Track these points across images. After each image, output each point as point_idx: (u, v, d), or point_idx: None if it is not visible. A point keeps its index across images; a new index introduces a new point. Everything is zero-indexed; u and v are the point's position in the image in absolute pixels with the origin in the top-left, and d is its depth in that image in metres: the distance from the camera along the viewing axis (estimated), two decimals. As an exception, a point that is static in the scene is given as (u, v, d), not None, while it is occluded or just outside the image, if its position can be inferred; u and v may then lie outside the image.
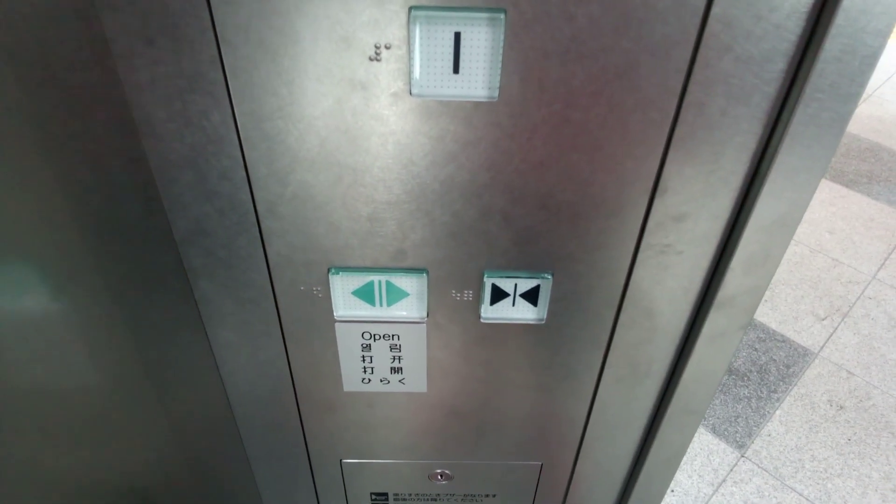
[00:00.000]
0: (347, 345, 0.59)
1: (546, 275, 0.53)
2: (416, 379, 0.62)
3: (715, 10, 0.38)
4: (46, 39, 0.40)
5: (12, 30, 0.40)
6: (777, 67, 0.41)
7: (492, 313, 0.56)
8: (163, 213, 0.48)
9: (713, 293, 0.52)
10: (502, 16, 0.38)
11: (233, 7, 0.38)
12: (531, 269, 0.53)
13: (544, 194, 0.47)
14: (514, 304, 0.55)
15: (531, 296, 0.55)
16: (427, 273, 0.53)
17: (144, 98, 0.42)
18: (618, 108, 0.42)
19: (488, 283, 0.53)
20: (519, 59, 0.40)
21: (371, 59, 0.40)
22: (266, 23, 0.39)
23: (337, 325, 0.57)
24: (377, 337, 0.58)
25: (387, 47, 0.40)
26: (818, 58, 0.39)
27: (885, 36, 0.38)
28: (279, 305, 0.55)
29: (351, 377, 0.62)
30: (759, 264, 0.50)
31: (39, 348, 0.58)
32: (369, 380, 0.62)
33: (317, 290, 0.54)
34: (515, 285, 0.54)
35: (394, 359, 0.60)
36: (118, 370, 0.62)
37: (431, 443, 0.70)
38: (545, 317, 0.56)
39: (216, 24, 0.39)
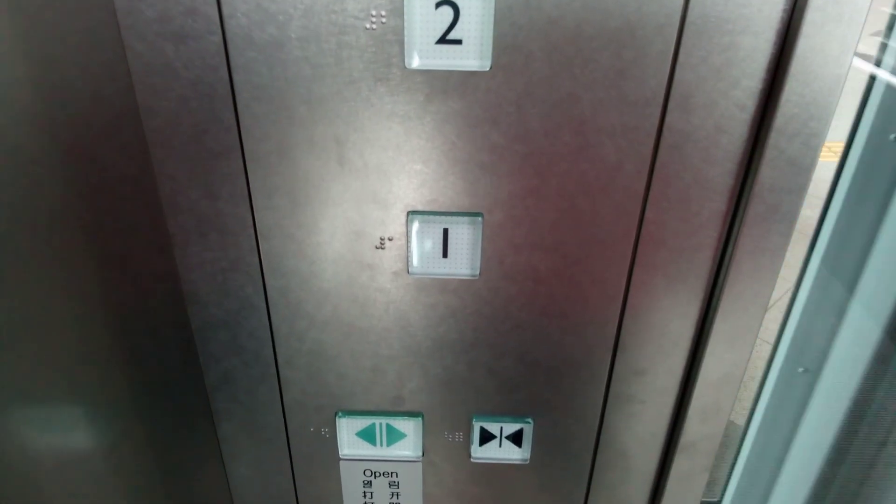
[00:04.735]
0: (350, 481, 0.64)
1: (527, 420, 0.60)
2: (412, 514, 0.67)
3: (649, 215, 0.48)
4: (115, 242, 0.51)
5: (95, 239, 0.51)
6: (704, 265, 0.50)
7: (481, 453, 0.62)
8: (198, 364, 0.57)
9: (676, 439, 0.59)
10: (480, 218, 0.49)
11: (271, 211, 0.49)
12: (514, 414, 0.60)
13: (522, 352, 0.56)
14: (500, 446, 0.62)
15: (516, 438, 0.61)
16: (422, 417, 0.60)
17: (194, 275, 0.52)
18: (577, 287, 0.52)
19: (477, 426, 0.60)
20: (494, 249, 0.50)
21: (377, 248, 0.50)
22: (296, 221, 0.49)
23: (341, 463, 0.63)
24: (377, 474, 0.64)
25: (389, 239, 0.50)
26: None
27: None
28: (291, 445, 0.62)
29: (353, 511, 0.67)
30: (713, 414, 0.57)
31: (79, 482, 0.64)
32: (369, 514, 0.67)
33: (325, 431, 0.61)
34: (501, 429, 0.61)
35: (392, 495, 0.65)
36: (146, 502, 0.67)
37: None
38: (529, 457, 0.62)
39: (256, 222, 0.49)
